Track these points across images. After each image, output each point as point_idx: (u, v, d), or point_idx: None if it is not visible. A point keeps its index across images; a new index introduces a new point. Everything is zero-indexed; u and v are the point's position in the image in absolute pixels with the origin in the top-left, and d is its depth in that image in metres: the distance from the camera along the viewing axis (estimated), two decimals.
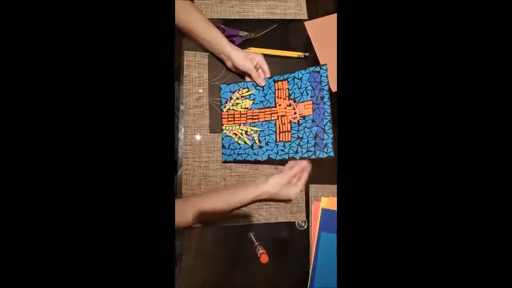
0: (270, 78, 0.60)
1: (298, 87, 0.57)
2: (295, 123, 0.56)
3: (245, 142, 0.59)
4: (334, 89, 0.66)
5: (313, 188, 0.62)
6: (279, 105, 0.58)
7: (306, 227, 0.61)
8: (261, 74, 0.60)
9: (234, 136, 0.60)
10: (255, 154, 0.58)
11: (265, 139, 0.58)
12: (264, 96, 0.60)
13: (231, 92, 0.62)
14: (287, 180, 0.53)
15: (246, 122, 0.60)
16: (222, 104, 0.62)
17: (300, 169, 0.55)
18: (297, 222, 0.61)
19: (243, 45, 0.65)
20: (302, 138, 0.55)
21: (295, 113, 0.57)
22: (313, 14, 0.69)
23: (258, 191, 0.53)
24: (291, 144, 0.56)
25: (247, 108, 0.61)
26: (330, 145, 0.52)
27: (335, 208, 0.61)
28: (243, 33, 0.65)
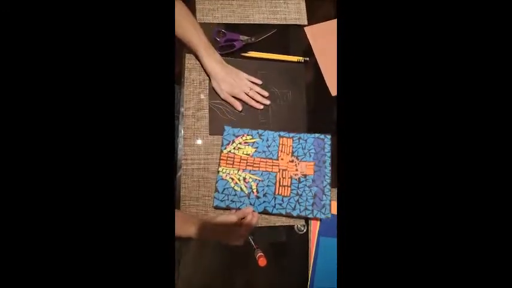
0: (275, 132, 0.60)
1: (302, 148, 0.59)
2: (296, 179, 0.57)
3: (241, 189, 0.57)
4: (333, 93, 0.66)
5: None
6: (282, 159, 0.59)
7: (305, 231, 0.60)
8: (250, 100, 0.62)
9: (230, 181, 0.58)
10: (250, 204, 0.56)
11: (263, 190, 0.57)
12: (267, 147, 0.59)
13: (234, 135, 0.60)
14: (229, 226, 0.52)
15: (246, 169, 0.58)
16: (223, 145, 0.60)
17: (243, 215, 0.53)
18: (296, 226, 0.60)
19: (244, 49, 0.65)
20: (301, 195, 0.56)
21: (296, 170, 0.58)
22: (313, 19, 0.70)
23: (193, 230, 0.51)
24: (289, 199, 0.56)
25: (248, 154, 0.59)
26: (327, 206, 0.55)
27: (335, 212, 0.61)
28: (244, 38, 0.66)
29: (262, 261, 0.52)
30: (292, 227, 0.60)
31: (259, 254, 0.53)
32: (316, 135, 0.60)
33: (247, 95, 0.62)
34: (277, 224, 0.60)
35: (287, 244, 0.60)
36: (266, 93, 0.64)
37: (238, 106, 0.62)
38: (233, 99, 0.61)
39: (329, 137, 0.60)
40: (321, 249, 0.58)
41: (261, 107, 0.63)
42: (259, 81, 0.64)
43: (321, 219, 0.59)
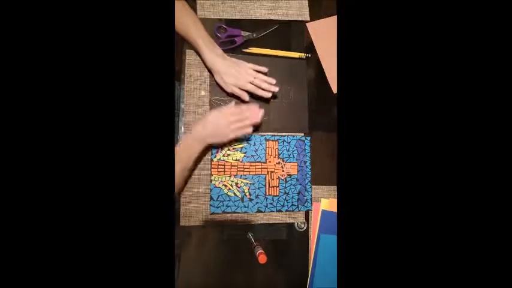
0: (262, 136, 0.62)
1: (286, 150, 0.63)
2: (283, 180, 0.62)
3: (235, 194, 0.59)
4: (335, 90, 0.66)
5: (313, 189, 0.62)
6: (269, 161, 0.62)
7: (305, 228, 0.60)
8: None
9: (223, 187, 0.59)
10: (244, 207, 0.59)
11: (255, 192, 0.60)
12: (255, 151, 0.61)
13: None
14: (226, 119, 0.55)
15: (237, 174, 0.60)
16: (212, 154, 0.60)
17: (244, 111, 0.56)
18: (296, 223, 0.60)
19: (245, 45, 0.65)
20: (288, 193, 0.61)
21: (283, 171, 0.62)
22: (315, 15, 0.69)
23: (191, 137, 0.54)
24: (278, 198, 0.61)
25: (238, 160, 0.61)
26: (309, 201, 0.61)
27: (335, 210, 0.61)
28: (245, 33, 0.65)
29: (262, 258, 0.52)
30: (292, 224, 0.60)
31: (260, 251, 0.53)
32: (298, 136, 0.63)
33: (253, 84, 0.59)
34: (277, 222, 0.60)
35: (287, 241, 0.60)
36: (273, 81, 0.60)
37: (246, 97, 0.59)
38: (240, 91, 0.59)
39: (309, 138, 0.63)
40: (321, 247, 0.58)
41: (269, 95, 0.60)
42: (265, 69, 0.61)
43: (321, 218, 0.59)
